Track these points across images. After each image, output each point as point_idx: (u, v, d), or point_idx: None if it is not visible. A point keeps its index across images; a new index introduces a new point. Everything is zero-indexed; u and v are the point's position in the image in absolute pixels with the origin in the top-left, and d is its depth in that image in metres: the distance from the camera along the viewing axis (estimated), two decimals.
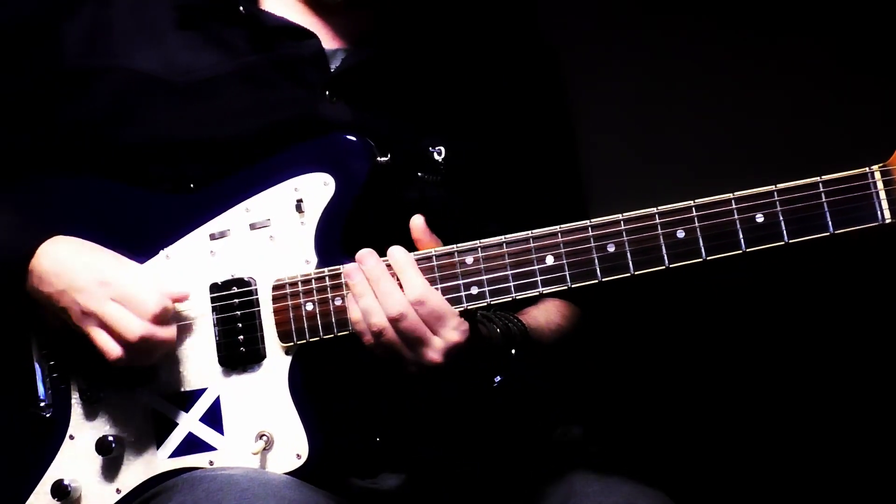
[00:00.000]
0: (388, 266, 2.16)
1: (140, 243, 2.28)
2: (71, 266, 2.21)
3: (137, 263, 2.27)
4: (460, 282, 2.16)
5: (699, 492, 3.22)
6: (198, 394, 2.25)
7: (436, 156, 2.38)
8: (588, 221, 2.13)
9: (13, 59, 2.36)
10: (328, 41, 2.39)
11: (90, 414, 2.28)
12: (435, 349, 2.12)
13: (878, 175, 2.04)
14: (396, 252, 2.16)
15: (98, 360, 2.22)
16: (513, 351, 2.25)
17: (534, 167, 2.50)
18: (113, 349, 2.18)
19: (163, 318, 2.20)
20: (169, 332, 2.21)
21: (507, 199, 2.46)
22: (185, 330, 2.26)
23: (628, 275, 2.11)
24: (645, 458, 2.61)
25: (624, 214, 2.11)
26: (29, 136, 2.36)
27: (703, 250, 2.09)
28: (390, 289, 2.12)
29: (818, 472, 3.35)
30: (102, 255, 2.25)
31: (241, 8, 2.37)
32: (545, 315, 2.44)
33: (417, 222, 2.18)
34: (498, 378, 2.27)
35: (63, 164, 2.35)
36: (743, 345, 3.40)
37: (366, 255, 2.16)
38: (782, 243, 2.06)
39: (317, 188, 2.24)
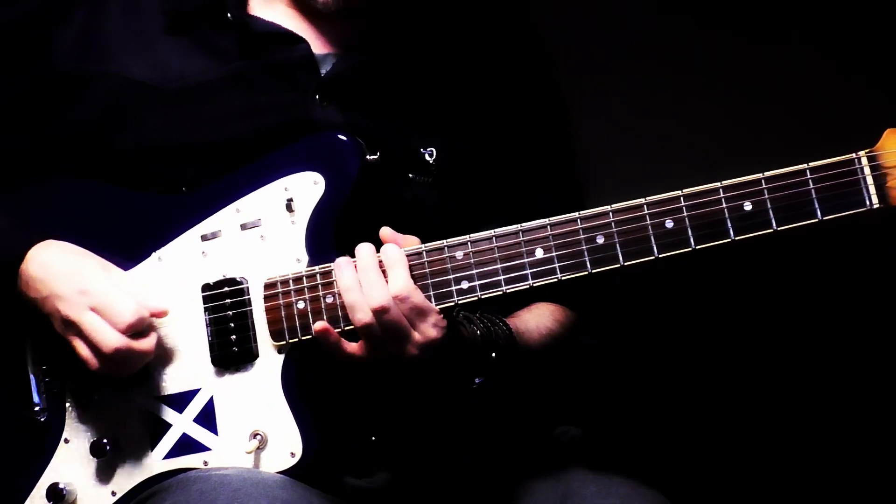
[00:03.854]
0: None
1: (132, 245, 2.29)
2: (55, 272, 2.22)
3: (122, 271, 2.28)
4: (450, 276, 2.16)
5: (697, 493, 3.21)
6: (191, 394, 2.25)
7: (427, 157, 2.39)
8: (577, 214, 2.13)
9: (5, 64, 2.38)
10: (318, 46, 2.41)
11: (84, 417, 2.28)
12: (413, 343, 2.13)
13: (864, 160, 2.04)
14: (389, 249, 2.17)
15: (85, 365, 2.23)
16: (493, 354, 2.25)
17: (528, 168, 2.51)
18: (91, 359, 2.19)
19: (138, 329, 2.19)
20: (146, 343, 2.21)
21: (499, 200, 2.46)
22: (177, 331, 2.27)
23: (618, 266, 2.12)
24: (643, 460, 2.60)
25: (613, 206, 2.12)
26: (21, 140, 2.38)
27: (691, 240, 2.09)
28: (375, 279, 2.13)
29: (817, 472, 3.33)
30: (87, 261, 2.25)
31: (229, 14, 2.38)
32: (536, 319, 2.44)
33: (386, 233, 2.19)
34: (478, 380, 2.26)
35: (56, 168, 2.37)
36: (740, 345, 3.40)
37: (363, 247, 2.17)
38: (771, 231, 2.07)
39: (307, 187, 2.25)
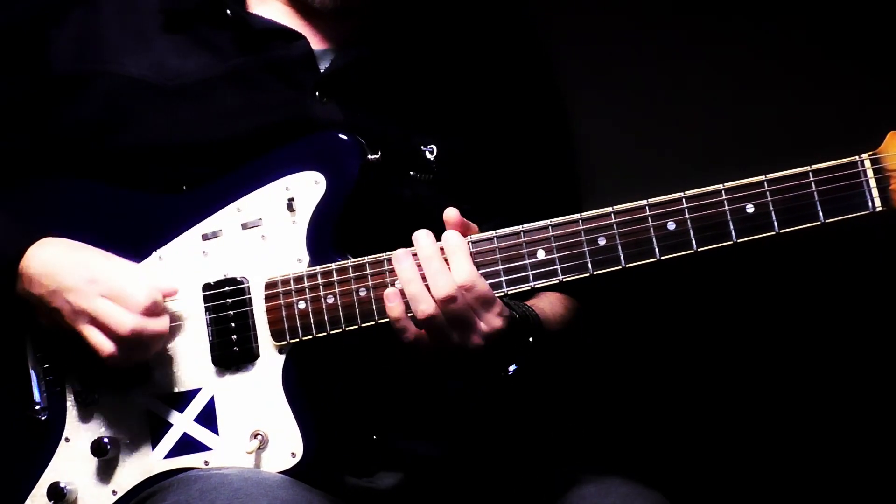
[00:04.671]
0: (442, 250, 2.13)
1: (133, 245, 2.29)
2: (60, 266, 2.22)
3: (125, 259, 2.27)
4: None
5: (697, 493, 3.21)
6: (192, 394, 2.25)
7: (427, 154, 2.39)
8: (579, 215, 2.13)
9: (2, 66, 2.37)
10: (316, 43, 2.40)
11: (85, 416, 2.29)
12: (479, 333, 2.11)
13: (867, 163, 2.04)
14: (452, 236, 2.13)
15: (93, 361, 2.23)
16: (530, 339, 2.24)
17: (527, 165, 2.51)
18: (106, 346, 2.19)
19: (153, 311, 2.20)
20: (161, 323, 2.21)
21: (499, 197, 2.46)
22: (178, 330, 2.27)
23: (619, 268, 2.11)
24: (643, 460, 2.60)
25: (614, 207, 2.11)
26: (20, 140, 2.37)
27: (693, 242, 2.09)
28: (441, 268, 2.10)
29: (817, 472, 3.33)
30: (91, 253, 2.25)
31: (228, 11, 2.38)
32: (550, 305, 2.43)
33: (450, 215, 2.15)
34: (513, 367, 2.24)
35: (56, 169, 2.36)
36: (741, 346, 3.39)
37: (422, 234, 2.14)
38: (773, 233, 2.06)
39: (308, 187, 2.24)
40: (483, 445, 2.39)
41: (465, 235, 2.15)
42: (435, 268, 2.10)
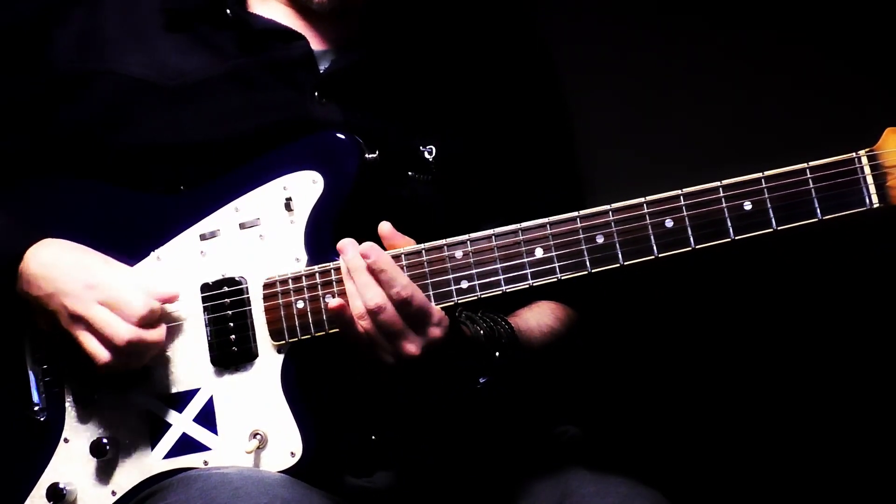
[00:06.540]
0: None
1: (131, 245, 2.29)
2: (58, 269, 2.22)
3: (126, 265, 2.28)
4: (450, 276, 2.16)
5: (696, 493, 3.21)
6: (191, 394, 2.25)
7: (426, 155, 2.39)
8: (577, 213, 2.13)
9: (4, 65, 2.38)
10: (316, 43, 2.41)
11: (84, 416, 2.29)
12: (414, 343, 2.12)
13: (864, 160, 2.04)
14: (372, 251, 2.14)
15: (90, 362, 2.23)
16: (496, 353, 2.25)
17: (528, 166, 2.51)
18: (101, 353, 2.19)
19: (150, 321, 2.20)
20: (157, 334, 2.22)
21: (499, 198, 2.46)
22: (176, 330, 2.27)
23: (618, 265, 2.12)
24: (642, 460, 2.60)
25: (612, 205, 2.12)
26: (20, 139, 2.38)
27: (691, 239, 2.09)
28: (368, 281, 2.12)
29: (817, 472, 3.33)
30: (90, 257, 2.25)
31: (229, 11, 2.38)
32: (537, 317, 2.44)
33: (385, 229, 2.18)
34: (483, 379, 2.26)
35: (55, 168, 2.37)
36: (739, 344, 3.40)
37: (346, 245, 2.16)
38: (771, 230, 2.07)
39: (305, 186, 2.25)
40: (481, 446, 2.39)
41: (399, 247, 2.16)
42: (363, 281, 2.12)
